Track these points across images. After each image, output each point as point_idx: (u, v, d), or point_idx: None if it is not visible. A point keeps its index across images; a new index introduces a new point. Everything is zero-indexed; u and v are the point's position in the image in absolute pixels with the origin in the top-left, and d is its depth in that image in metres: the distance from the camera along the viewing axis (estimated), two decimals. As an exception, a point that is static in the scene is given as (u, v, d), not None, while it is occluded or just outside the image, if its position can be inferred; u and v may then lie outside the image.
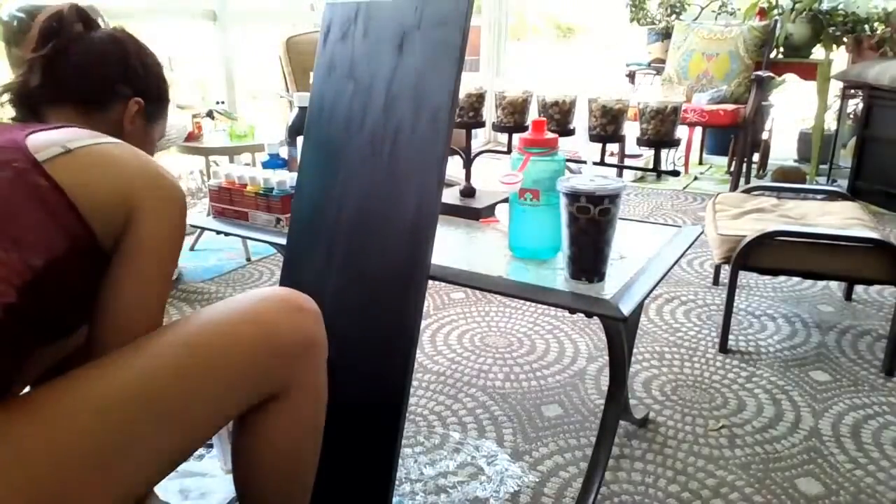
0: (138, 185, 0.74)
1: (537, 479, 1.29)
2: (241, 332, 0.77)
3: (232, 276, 2.36)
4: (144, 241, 0.74)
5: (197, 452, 1.34)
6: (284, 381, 0.81)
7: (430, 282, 1.05)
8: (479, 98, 1.34)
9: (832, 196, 2.28)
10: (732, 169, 3.63)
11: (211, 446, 1.34)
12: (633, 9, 4.11)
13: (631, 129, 1.30)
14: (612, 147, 3.35)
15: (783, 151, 4.27)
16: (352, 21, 1.12)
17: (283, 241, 1.20)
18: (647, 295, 0.98)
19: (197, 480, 1.27)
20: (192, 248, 2.65)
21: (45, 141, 0.72)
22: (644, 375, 1.68)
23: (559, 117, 1.27)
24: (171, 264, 0.78)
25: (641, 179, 3.85)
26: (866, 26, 3.45)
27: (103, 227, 0.72)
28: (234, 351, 0.76)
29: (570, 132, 1.28)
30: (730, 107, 3.28)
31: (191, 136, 2.46)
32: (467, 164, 1.40)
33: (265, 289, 0.84)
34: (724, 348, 1.80)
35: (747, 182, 3.52)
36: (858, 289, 2.21)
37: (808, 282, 2.28)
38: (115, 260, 0.75)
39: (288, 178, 1.29)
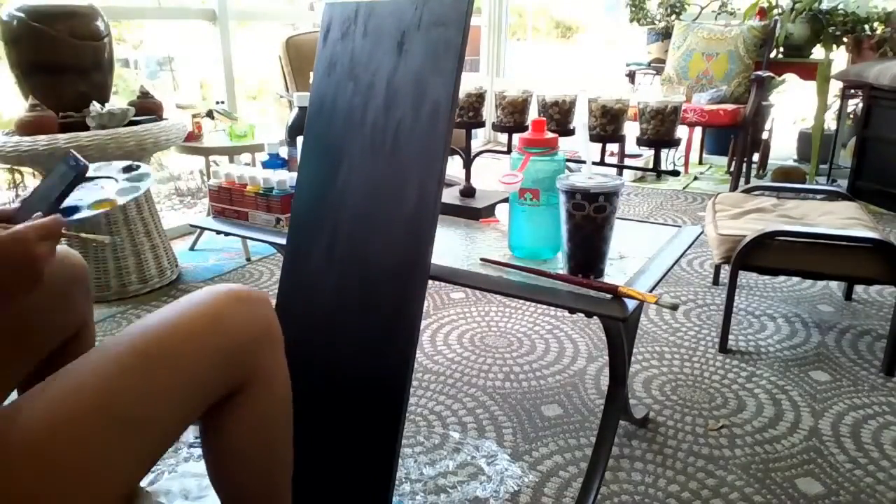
0: None
1: (537, 479, 1.29)
2: (193, 328, 0.75)
3: (232, 276, 2.36)
4: None
5: (197, 453, 1.34)
6: (243, 374, 0.79)
7: (430, 282, 1.05)
8: (479, 98, 1.34)
9: (832, 196, 2.28)
10: (732, 169, 3.63)
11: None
12: (633, 9, 4.11)
13: (631, 129, 1.29)
14: (612, 147, 3.36)
15: (783, 151, 4.28)
16: (351, 21, 1.12)
17: (282, 241, 1.20)
18: (647, 295, 0.98)
19: (197, 480, 1.27)
20: (191, 248, 2.65)
21: None
22: (644, 375, 1.68)
23: (559, 117, 1.27)
24: None
25: (641, 179, 3.85)
26: (866, 26, 3.45)
27: None
28: (188, 348, 0.74)
29: (570, 132, 1.28)
30: (730, 107, 3.28)
31: (191, 136, 2.46)
32: (467, 164, 1.40)
33: (210, 286, 0.82)
34: (723, 348, 1.80)
35: (747, 182, 3.52)
36: (858, 289, 2.21)
37: (808, 282, 2.28)
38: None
39: (288, 178, 1.29)
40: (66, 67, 2.01)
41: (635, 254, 1.12)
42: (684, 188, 3.71)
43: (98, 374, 0.69)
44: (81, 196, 1.04)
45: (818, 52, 3.63)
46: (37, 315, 0.88)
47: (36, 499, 0.62)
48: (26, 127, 1.91)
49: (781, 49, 3.59)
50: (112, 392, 0.68)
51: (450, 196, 1.38)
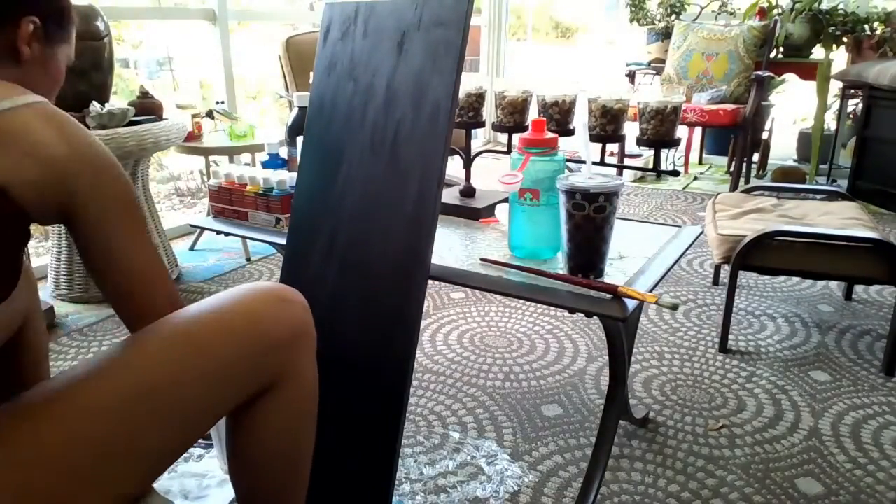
0: (73, 171, 0.69)
1: (537, 479, 1.29)
2: (231, 325, 0.76)
3: (232, 276, 2.36)
4: (104, 228, 0.73)
5: (197, 453, 1.34)
6: (276, 372, 0.80)
7: (430, 282, 1.05)
8: (479, 98, 1.34)
9: (832, 196, 2.28)
10: (732, 169, 3.63)
11: (211, 446, 1.34)
12: (633, 9, 4.11)
13: (631, 129, 1.30)
14: (612, 147, 3.36)
15: (783, 151, 4.28)
16: (351, 21, 1.12)
17: (282, 241, 1.20)
18: (647, 295, 0.98)
19: (197, 480, 1.27)
20: (191, 248, 2.65)
21: None
22: (644, 375, 1.68)
23: (559, 117, 1.27)
24: (143, 222, 0.76)
25: (641, 179, 3.85)
26: (866, 26, 3.45)
27: (33, 208, 0.68)
28: (226, 343, 0.75)
29: (570, 132, 1.28)
30: (730, 107, 3.28)
31: (191, 136, 2.46)
32: (467, 164, 1.40)
33: (250, 284, 0.83)
34: (723, 348, 1.80)
35: (747, 182, 3.52)
36: (858, 289, 2.21)
37: (808, 282, 2.28)
38: (90, 254, 0.74)
39: (288, 178, 1.29)
40: (66, 67, 2.01)
41: (635, 254, 1.12)
42: (684, 188, 3.71)
43: (134, 358, 0.71)
44: None
45: (818, 52, 3.63)
46: None
47: (67, 473, 0.64)
48: (26, 127, 1.91)
49: (781, 49, 3.59)
50: (151, 383, 0.70)
51: (450, 196, 1.38)
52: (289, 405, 0.83)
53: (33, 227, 0.74)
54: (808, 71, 3.57)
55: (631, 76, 4.07)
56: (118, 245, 0.74)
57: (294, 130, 1.40)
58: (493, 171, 1.18)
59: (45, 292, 2.13)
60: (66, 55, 0.87)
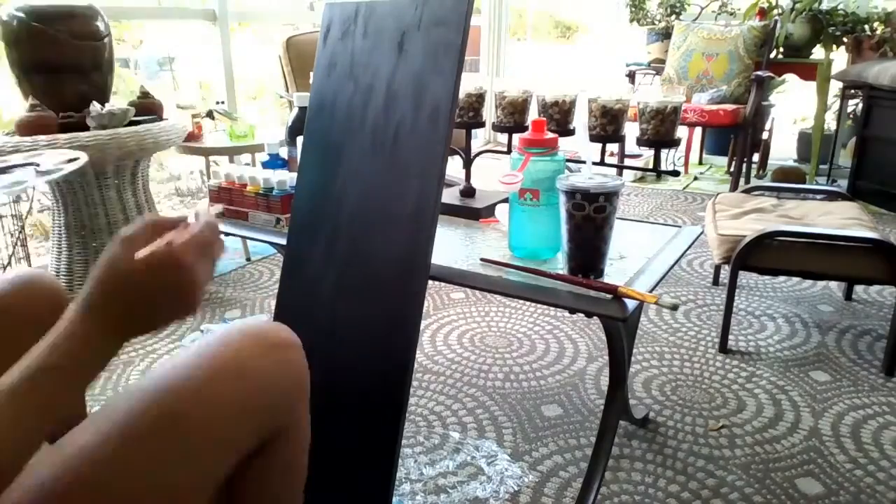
0: None
1: (537, 479, 1.29)
2: (225, 393, 0.64)
3: (232, 276, 2.36)
4: None
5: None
6: (272, 429, 0.70)
7: (430, 282, 1.05)
8: (479, 98, 1.34)
9: (832, 196, 2.28)
10: (732, 169, 3.63)
11: None
12: (633, 9, 4.11)
13: (631, 129, 1.30)
14: (612, 147, 3.36)
15: (783, 151, 4.27)
16: (351, 20, 1.12)
17: (283, 241, 1.20)
18: (647, 295, 0.98)
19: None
20: (192, 248, 2.64)
21: None
22: (644, 375, 1.68)
23: (559, 117, 1.27)
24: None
25: (641, 179, 3.85)
26: (866, 26, 3.45)
27: None
28: (219, 418, 0.63)
29: (570, 132, 1.28)
30: (730, 107, 3.28)
31: (191, 136, 2.46)
32: (467, 164, 1.40)
33: (235, 326, 0.69)
34: (724, 348, 1.80)
35: (747, 182, 3.52)
36: (858, 289, 2.21)
37: (808, 282, 2.28)
38: None
39: (288, 178, 1.29)
40: (66, 67, 2.01)
41: (635, 254, 1.12)
42: (684, 188, 3.71)
43: (110, 439, 0.59)
44: None
45: (818, 53, 3.63)
46: (18, 341, 0.80)
47: None
48: (26, 127, 1.91)
49: (781, 49, 3.59)
50: (128, 459, 0.59)
51: (450, 196, 1.38)
52: (281, 459, 0.73)
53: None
54: (808, 71, 3.57)
55: (631, 76, 4.07)
56: None
57: (294, 130, 1.40)
58: (493, 171, 1.18)
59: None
60: None
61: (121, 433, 0.59)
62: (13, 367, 0.52)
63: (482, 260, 1.09)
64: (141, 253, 0.56)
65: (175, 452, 0.61)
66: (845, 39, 3.52)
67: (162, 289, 0.57)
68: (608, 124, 1.21)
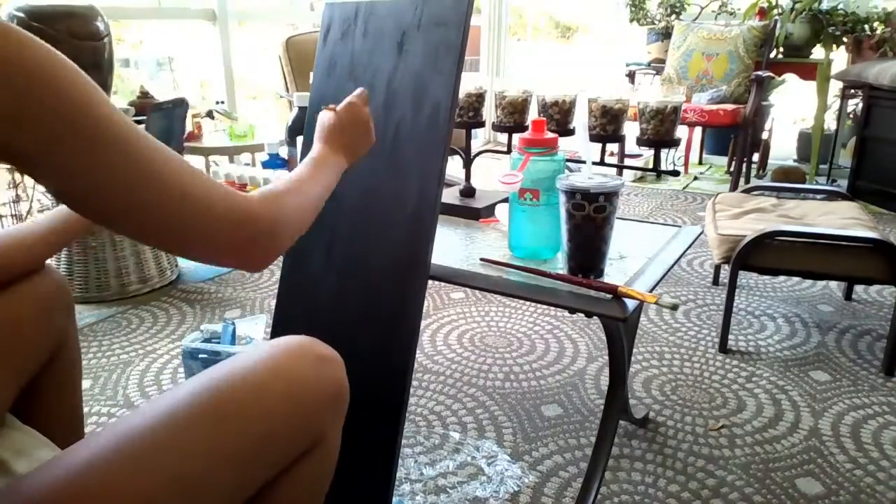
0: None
1: (537, 479, 1.29)
2: (271, 389, 0.67)
3: (231, 276, 2.36)
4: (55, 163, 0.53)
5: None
6: (310, 440, 0.72)
7: (430, 282, 1.05)
8: (479, 98, 1.34)
9: (832, 196, 2.28)
10: (732, 169, 3.63)
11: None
12: (633, 9, 4.11)
13: (631, 129, 1.30)
14: (612, 147, 3.36)
15: (783, 151, 4.28)
16: (351, 20, 1.12)
17: (282, 241, 1.20)
18: (647, 295, 0.98)
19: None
20: (191, 248, 2.65)
21: None
22: (644, 375, 1.68)
23: (559, 117, 1.27)
24: (124, 142, 0.54)
25: (641, 179, 3.85)
26: (866, 26, 3.45)
27: None
28: (264, 411, 0.66)
29: (570, 132, 1.28)
30: (730, 107, 3.28)
31: (191, 136, 2.47)
32: (467, 164, 1.40)
33: (279, 340, 0.73)
34: (723, 348, 1.80)
35: (747, 182, 3.52)
36: (858, 289, 2.21)
37: (808, 282, 2.28)
38: (67, 198, 0.56)
39: (288, 177, 1.29)
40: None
41: (635, 254, 1.12)
42: (684, 188, 3.71)
43: (155, 431, 0.61)
44: None
45: (818, 52, 3.63)
46: (22, 328, 0.85)
47: None
48: (26, 127, 1.91)
49: (781, 49, 3.59)
50: (171, 451, 0.60)
51: (450, 196, 1.38)
52: (313, 473, 0.75)
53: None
54: (808, 71, 3.57)
55: (631, 76, 4.07)
56: (93, 182, 0.53)
57: (294, 130, 1.40)
58: (493, 171, 1.18)
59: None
60: None
61: (176, 421, 0.62)
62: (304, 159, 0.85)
63: (482, 260, 1.09)
64: (339, 108, 0.90)
65: (229, 444, 0.63)
66: (845, 39, 3.52)
67: (356, 124, 0.90)
68: (608, 124, 1.21)
